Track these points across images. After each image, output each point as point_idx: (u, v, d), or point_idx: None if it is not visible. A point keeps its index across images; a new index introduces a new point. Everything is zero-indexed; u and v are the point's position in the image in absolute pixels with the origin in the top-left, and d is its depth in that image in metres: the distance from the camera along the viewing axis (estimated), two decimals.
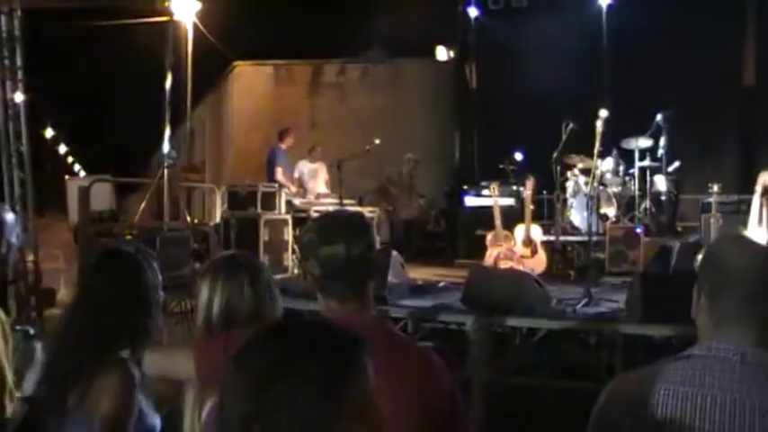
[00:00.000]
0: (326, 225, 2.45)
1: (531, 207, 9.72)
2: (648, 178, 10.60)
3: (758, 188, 8.11)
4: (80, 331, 2.66)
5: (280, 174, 11.53)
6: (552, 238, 10.23)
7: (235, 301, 2.76)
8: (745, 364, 1.88)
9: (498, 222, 9.55)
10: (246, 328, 2.54)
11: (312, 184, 12.22)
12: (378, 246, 2.53)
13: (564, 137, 10.30)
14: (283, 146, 11.94)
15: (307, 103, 20.04)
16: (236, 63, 21.21)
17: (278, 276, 8.40)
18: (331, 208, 10.60)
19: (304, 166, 12.41)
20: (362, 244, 2.39)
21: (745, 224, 8.15)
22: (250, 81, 20.87)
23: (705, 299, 2.03)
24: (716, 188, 9.07)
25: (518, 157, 12.60)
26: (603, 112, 8.66)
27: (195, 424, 2.65)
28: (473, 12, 14.62)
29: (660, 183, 10.57)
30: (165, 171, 9.98)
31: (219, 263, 2.92)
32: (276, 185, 10.36)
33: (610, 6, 12.92)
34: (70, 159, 59.48)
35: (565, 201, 10.78)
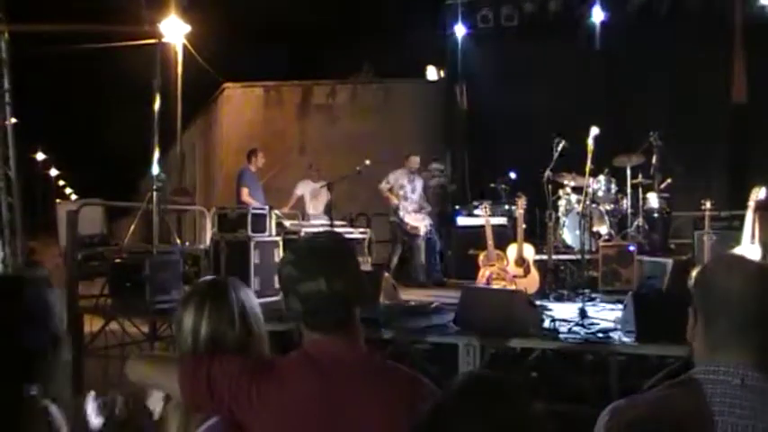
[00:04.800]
0: (305, 258, 2.39)
1: (524, 226, 9.66)
2: (641, 196, 10.59)
3: (751, 204, 8.09)
4: None
5: (245, 195, 11.53)
6: (545, 257, 10.13)
7: (223, 328, 2.61)
8: (746, 388, 1.90)
9: (490, 242, 9.49)
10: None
11: (314, 204, 12.20)
12: (361, 271, 2.48)
13: (555, 155, 10.27)
14: (252, 167, 11.95)
15: (296, 124, 20.02)
16: (225, 85, 21.21)
17: (269, 299, 8.31)
18: (321, 230, 10.54)
19: (307, 186, 12.43)
20: (344, 276, 2.35)
21: (738, 240, 8.11)
22: (240, 103, 20.87)
23: (701, 323, 2.05)
24: (708, 205, 9.04)
25: (510, 176, 12.57)
26: (594, 130, 8.65)
27: None
28: (462, 31, 14.62)
29: (652, 200, 10.57)
30: (155, 194, 9.90)
31: (204, 289, 2.76)
32: (267, 208, 10.28)
33: (602, 25, 12.97)
34: (62, 183, 59.42)
35: (557, 219, 10.73)
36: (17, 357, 2.34)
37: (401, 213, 11.65)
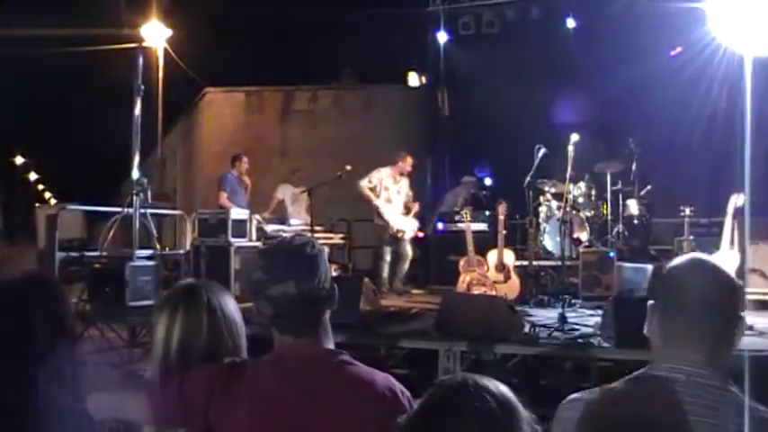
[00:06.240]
0: (273, 261, 2.40)
1: (504, 232, 9.68)
2: (621, 202, 10.63)
3: (729, 210, 8.12)
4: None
5: (223, 199, 11.47)
6: (525, 263, 10.20)
7: (193, 336, 2.58)
8: (690, 385, 1.93)
9: (471, 248, 9.51)
10: (203, 365, 2.50)
11: (295, 208, 12.16)
12: (330, 274, 2.47)
13: (536, 162, 10.29)
14: (234, 171, 11.91)
15: (278, 129, 19.97)
16: (207, 90, 21.12)
17: (250, 305, 8.24)
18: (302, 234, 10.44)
19: (287, 190, 12.41)
20: (312, 278, 2.36)
21: (717, 246, 8.14)
22: (221, 108, 20.78)
23: (658, 319, 2.11)
24: (688, 211, 9.07)
25: (490, 182, 12.59)
26: (575, 137, 8.68)
27: None
28: (444, 37, 14.62)
29: (632, 207, 10.59)
30: (135, 198, 9.84)
31: (179, 294, 2.71)
32: (247, 212, 10.26)
33: (579, 32, 12.99)
34: (41, 187, 58.89)
35: (537, 225, 10.77)
36: (32, 355, 2.34)
37: (386, 216, 10.86)
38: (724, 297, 2.03)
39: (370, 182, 10.94)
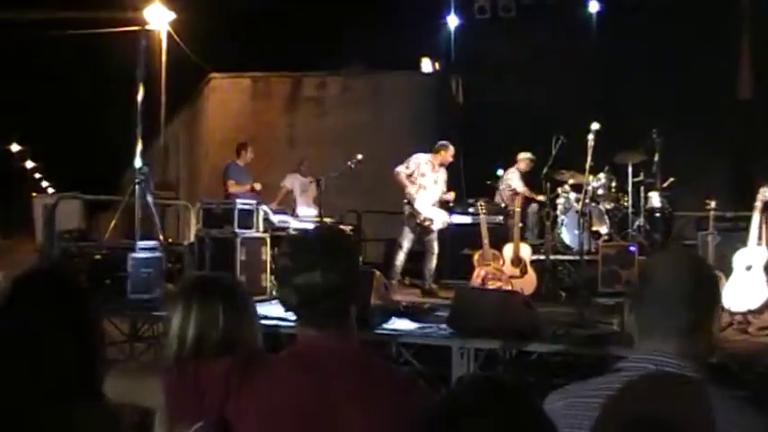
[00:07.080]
0: (302, 249, 2.35)
1: (520, 225, 9.61)
2: (642, 194, 10.44)
3: (758, 204, 7.84)
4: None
5: (232, 186, 11.36)
6: (542, 257, 10.06)
7: (208, 328, 2.57)
8: (660, 377, 1.96)
9: (486, 241, 9.39)
10: (218, 357, 2.46)
11: (304, 199, 12.08)
12: (358, 266, 2.45)
13: (554, 152, 10.21)
14: (240, 161, 11.82)
15: (285, 117, 19.77)
16: (211, 75, 20.95)
17: (255, 298, 8.02)
18: (310, 226, 10.15)
19: (295, 180, 12.30)
20: (340, 269, 2.30)
21: (744, 242, 7.86)
22: (226, 94, 20.61)
23: (632, 312, 2.14)
24: (713, 204, 8.81)
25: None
26: (595, 126, 8.49)
27: None
28: (455, 21, 14.43)
29: (654, 199, 10.48)
30: (137, 188, 9.61)
31: (193, 285, 2.74)
32: (254, 203, 10.00)
33: (600, 17, 12.83)
34: (38, 175, 59.10)
35: (555, 218, 10.63)
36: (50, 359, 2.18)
37: (416, 204, 10.09)
38: (693, 287, 2.03)
39: (407, 168, 10.26)
